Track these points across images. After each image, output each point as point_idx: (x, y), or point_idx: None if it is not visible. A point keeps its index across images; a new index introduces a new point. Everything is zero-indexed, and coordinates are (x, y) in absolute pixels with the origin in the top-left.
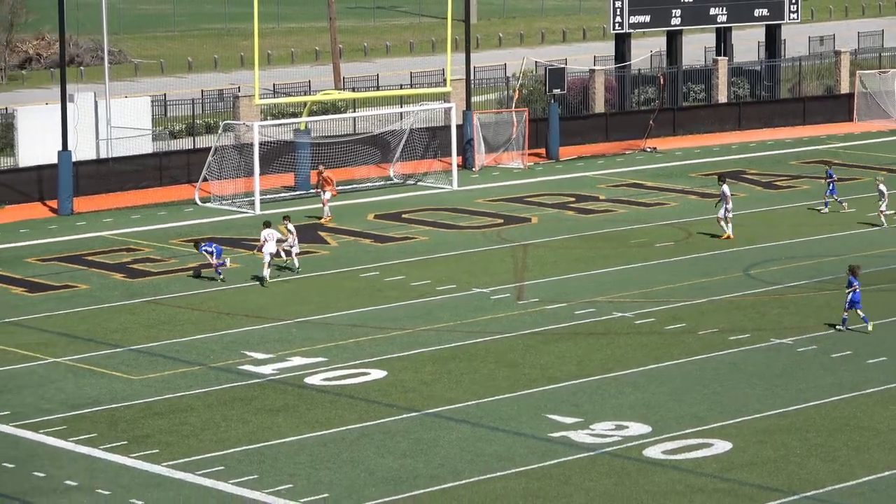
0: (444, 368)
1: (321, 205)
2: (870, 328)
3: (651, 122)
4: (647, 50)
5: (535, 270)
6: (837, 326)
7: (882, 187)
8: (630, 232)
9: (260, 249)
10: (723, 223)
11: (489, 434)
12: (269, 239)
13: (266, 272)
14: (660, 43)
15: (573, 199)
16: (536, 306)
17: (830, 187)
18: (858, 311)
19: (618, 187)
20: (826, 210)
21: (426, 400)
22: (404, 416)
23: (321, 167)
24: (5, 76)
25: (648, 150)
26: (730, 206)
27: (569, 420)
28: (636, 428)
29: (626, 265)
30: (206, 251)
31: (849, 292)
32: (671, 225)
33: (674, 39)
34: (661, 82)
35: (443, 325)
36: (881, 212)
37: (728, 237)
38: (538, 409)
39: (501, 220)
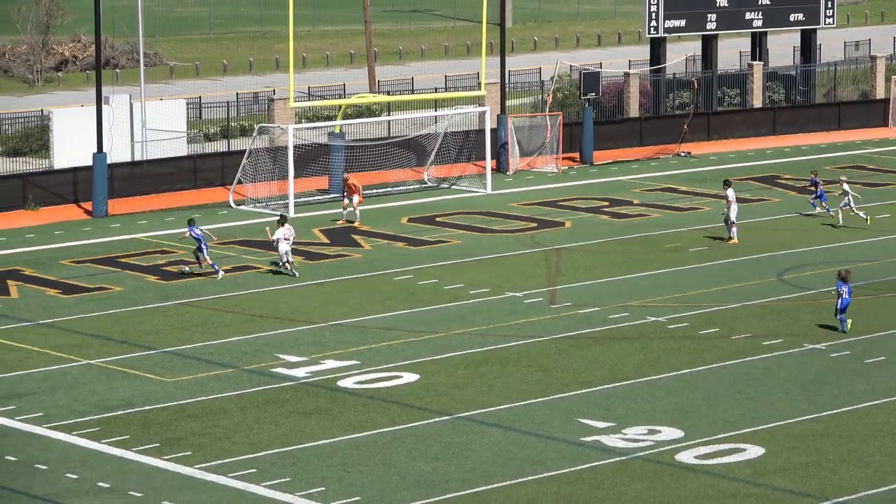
0: (476, 372)
1: (342, 209)
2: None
3: (685, 126)
4: (682, 54)
5: (569, 274)
6: (840, 330)
7: (846, 186)
8: (664, 236)
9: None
10: (734, 229)
11: (521, 438)
12: (285, 238)
13: (288, 263)
14: (695, 47)
15: (607, 203)
16: (569, 310)
17: (819, 192)
18: (838, 315)
19: (652, 192)
20: (818, 211)
21: (458, 404)
22: (436, 419)
23: (346, 174)
24: (41, 78)
25: (683, 154)
26: (735, 210)
27: (601, 424)
28: (669, 432)
29: (659, 269)
30: (193, 235)
31: (840, 295)
32: (705, 229)
33: (709, 44)
34: (696, 86)
35: (476, 328)
36: (840, 208)
37: (733, 242)
38: (570, 413)
39: (535, 224)
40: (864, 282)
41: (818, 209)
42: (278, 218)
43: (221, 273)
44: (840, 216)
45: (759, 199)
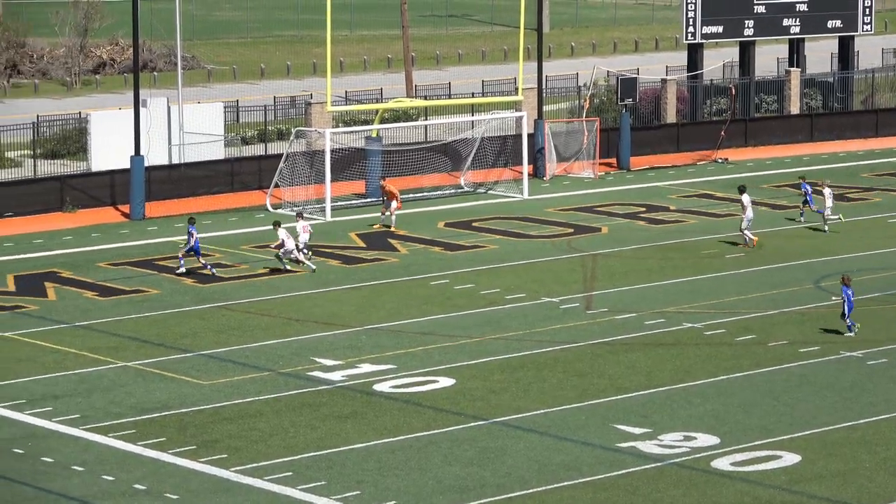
0: (512, 377)
1: (380, 214)
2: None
3: (723, 132)
4: (719, 60)
5: (605, 280)
6: (847, 334)
7: (826, 191)
8: (701, 242)
9: (281, 250)
10: (747, 233)
11: (557, 443)
12: (287, 237)
13: (304, 259)
14: (732, 53)
15: (644, 209)
16: (606, 316)
17: (807, 198)
18: (846, 320)
19: (689, 198)
20: (803, 220)
21: (494, 408)
22: (472, 424)
23: (383, 180)
24: (79, 81)
25: (720, 160)
26: (750, 216)
27: (637, 430)
28: (704, 439)
29: (696, 276)
30: (190, 232)
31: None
32: (742, 236)
33: (746, 50)
34: (733, 93)
35: (511, 333)
36: (826, 217)
37: (755, 243)
38: (606, 419)
39: (571, 230)
40: None
41: (803, 218)
42: (272, 225)
43: (213, 271)
44: (825, 222)
45: (796, 205)
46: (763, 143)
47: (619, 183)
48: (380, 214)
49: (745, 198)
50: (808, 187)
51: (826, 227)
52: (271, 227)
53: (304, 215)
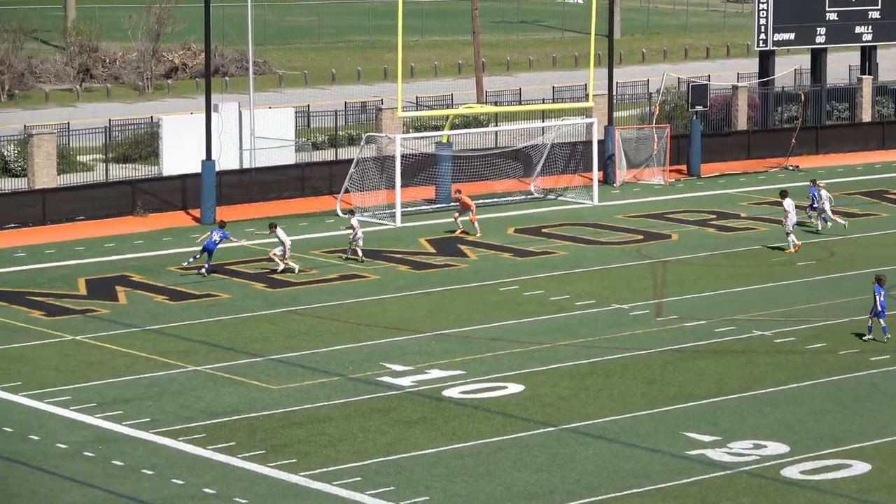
0: (581, 384)
1: (454, 218)
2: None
3: (794, 139)
4: (790, 67)
5: (675, 287)
6: (865, 337)
7: (823, 192)
8: (771, 250)
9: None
10: (792, 237)
11: (626, 451)
12: (286, 238)
13: (287, 264)
14: (804, 60)
15: (714, 216)
16: (675, 323)
17: (813, 203)
18: (881, 321)
19: (759, 205)
20: (828, 225)
21: (563, 415)
22: (541, 430)
23: (456, 190)
24: (151, 85)
25: (791, 168)
26: (794, 220)
27: (706, 438)
28: (774, 447)
29: (766, 283)
30: (218, 236)
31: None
32: (813, 243)
33: (818, 57)
34: (803, 100)
35: (581, 340)
36: (832, 217)
37: (797, 248)
38: (676, 427)
39: (641, 237)
40: None
41: (816, 221)
42: (268, 228)
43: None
44: (819, 223)
45: (867, 213)
46: (834, 150)
47: (690, 190)
48: (453, 219)
49: (788, 202)
50: (816, 191)
51: (819, 226)
52: (268, 229)
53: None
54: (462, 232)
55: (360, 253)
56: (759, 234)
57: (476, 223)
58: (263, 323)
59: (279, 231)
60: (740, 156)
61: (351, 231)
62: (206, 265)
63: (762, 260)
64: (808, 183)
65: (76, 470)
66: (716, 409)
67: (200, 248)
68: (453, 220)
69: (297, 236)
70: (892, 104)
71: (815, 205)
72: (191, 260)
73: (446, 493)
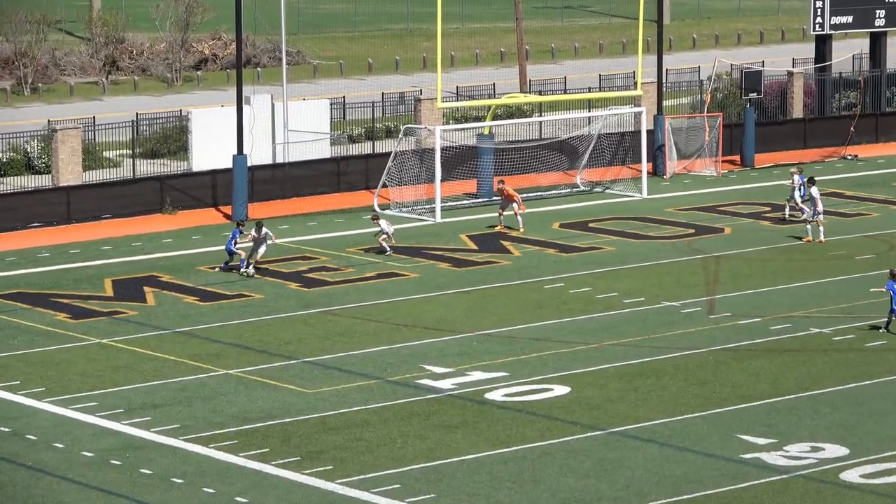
0: (630, 385)
1: (498, 214)
2: None
3: (852, 128)
4: (848, 52)
5: (728, 283)
6: (881, 329)
7: (796, 177)
8: (829, 244)
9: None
10: (819, 226)
11: (677, 455)
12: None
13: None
14: (862, 45)
15: (769, 208)
16: (729, 321)
17: (801, 191)
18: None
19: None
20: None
21: (611, 418)
22: (588, 434)
23: (498, 181)
24: (180, 77)
25: (849, 157)
26: (820, 208)
27: (762, 441)
28: (833, 450)
29: (824, 278)
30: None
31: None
32: (872, 237)
33: (877, 41)
34: (862, 86)
35: (630, 339)
36: (800, 204)
37: (820, 241)
38: (729, 430)
39: (693, 231)
40: None
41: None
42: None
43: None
44: (787, 210)
45: None
46: (895, 138)
47: (743, 181)
48: (497, 215)
49: (814, 190)
50: (804, 179)
51: (786, 214)
52: (254, 229)
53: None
54: (505, 227)
55: (387, 247)
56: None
57: (520, 217)
58: (297, 324)
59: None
60: (796, 145)
61: (383, 235)
62: (224, 265)
63: (819, 254)
64: (864, 172)
65: (103, 479)
66: (771, 410)
67: (228, 249)
68: (497, 215)
69: (332, 233)
70: None
71: (800, 192)
72: (222, 266)
73: (489, 500)
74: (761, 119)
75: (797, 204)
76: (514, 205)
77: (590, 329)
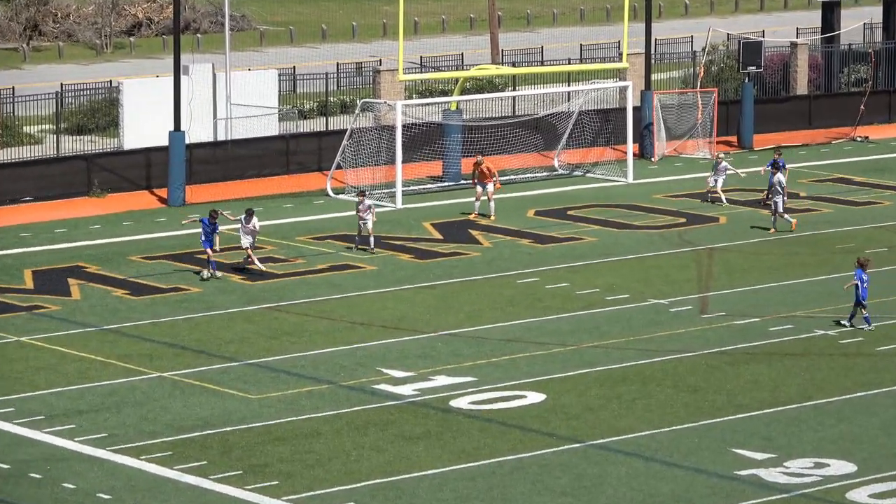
0: (612, 392)
1: (475, 199)
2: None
3: (862, 106)
4: (858, 20)
5: (723, 279)
6: (865, 327)
7: (724, 164)
8: (835, 235)
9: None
10: (786, 216)
11: (665, 470)
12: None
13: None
14: (874, 13)
15: (768, 195)
16: (723, 321)
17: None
18: (862, 310)
19: (822, 182)
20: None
21: (591, 429)
22: (565, 447)
23: (479, 156)
24: (111, 44)
25: (859, 139)
26: (782, 199)
27: (759, 456)
28: (839, 466)
29: (830, 274)
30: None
31: (849, 286)
32: (884, 228)
33: (890, 9)
34: (873, 59)
35: (612, 341)
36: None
37: (793, 225)
38: (723, 443)
39: (684, 220)
40: None
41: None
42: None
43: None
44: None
45: None
46: None
47: (741, 165)
48: (474, 200)
49: (780, 177)
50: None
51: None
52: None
53: (367, 194)
54: (479, 215)
55: (371, 242)
56: (822, 217)
57: (493, 203)
58: (240, 322)
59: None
60: (800, 125)
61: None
62: (212, 263)
63: (824, 247)
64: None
65: (21, 494)
66: (770, 421)
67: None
68: (475, 199)
69: (280, 220)
70: None
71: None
72: (210, 272)
73: None
74: (761, 96)
75: (715, 188)
76: (489, 186)
77: (568, 329)
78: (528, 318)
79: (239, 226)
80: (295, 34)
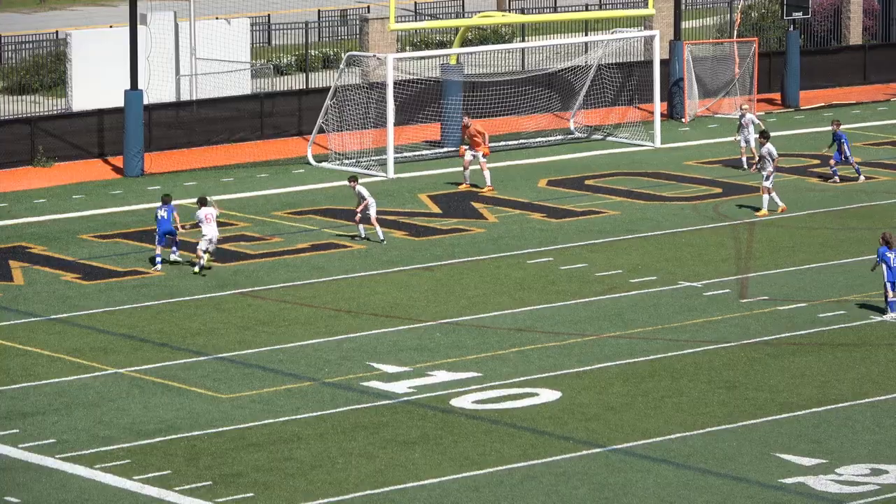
0: (637, 389)
1: (462, 168)
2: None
3: None
4: None
5: (765, 258)
6: (888, 315)
7: (749, 116)
8: (894, 207)
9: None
10: (774, 195)
11: (699, 478)
12: (209, 219)
13: (202, 261)
14: None
15: (817, 161)
16: (765, 306)
17: (844, 152)
18: (890, 293)
19: (878, 146)
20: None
21: (613, 431)
22: (584, 452)
23: (466, 118)
24: None
25: None
26: (770, 169)
27: (807, 461)
28: None
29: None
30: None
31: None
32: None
33: None
34: None
35: (637, 330)
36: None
37: (782, 209)
38: (766, 446)
39: (720, 190)
40: None
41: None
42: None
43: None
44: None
45: None
46: None
47: (785, 126)
48: (462, 170)
49: (770, 147)
50: (845, 137)
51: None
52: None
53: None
54: (471, 186)
55: (378, 231)
56: (880, 185)
57: (487, 171)
58: (209, 310)
59: (359, 187)
60: (853, 80)
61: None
62: (175, 250)
63: (881, 220)
64: None
65: None
66: (820, 422)
67: (159, 238)
68: (464, 168)
69: (253, 192)
70: None
71: (845, 154)
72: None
73: None
74: (808, 46)
75: (751, 154)
76: (479, 152)
77: (586, 317)
78: (540, 304)
79: (201, 222)
80: None
